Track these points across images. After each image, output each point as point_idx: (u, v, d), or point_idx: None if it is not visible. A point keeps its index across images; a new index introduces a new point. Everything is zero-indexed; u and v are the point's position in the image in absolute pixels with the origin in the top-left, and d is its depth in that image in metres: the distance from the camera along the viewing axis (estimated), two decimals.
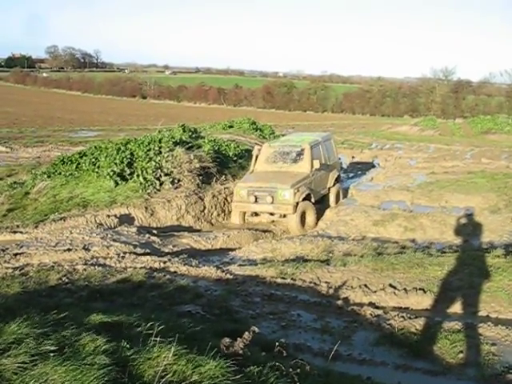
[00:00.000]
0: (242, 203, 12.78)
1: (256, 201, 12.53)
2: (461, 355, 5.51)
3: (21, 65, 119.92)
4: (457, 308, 6.87)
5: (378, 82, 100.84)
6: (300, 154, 13.62)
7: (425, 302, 7.03)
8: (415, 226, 11.79)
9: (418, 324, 6.25)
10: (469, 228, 11.45)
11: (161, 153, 14.77)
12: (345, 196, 15.54)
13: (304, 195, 12.56)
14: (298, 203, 12.28)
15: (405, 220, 12.05)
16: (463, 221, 11.77)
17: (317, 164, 13.26)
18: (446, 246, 10.30)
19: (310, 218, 12.72)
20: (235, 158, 17.31)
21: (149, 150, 14.84)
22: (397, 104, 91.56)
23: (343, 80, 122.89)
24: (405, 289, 7.30)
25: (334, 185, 14.75)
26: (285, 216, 12.60)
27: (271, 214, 12.97)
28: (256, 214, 13.29)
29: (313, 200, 13.07)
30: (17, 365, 3.03)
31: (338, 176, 15.33)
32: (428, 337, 5.93)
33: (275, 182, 12.67)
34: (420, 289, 7.25)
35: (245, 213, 13.19)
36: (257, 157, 14.05)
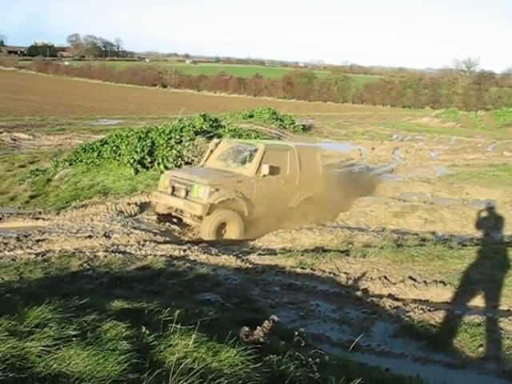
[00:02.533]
0: (161, 193, 11.04)
1: (173, 193, 10.72)
2: (481, 349, 5.47)
3: (43, 53, 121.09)
4: (477, 301, 6.81)
5: (399, 73, 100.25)
6: (252, 154, 11.20)
7: (445, 294, 6.98)
8: (435, 219, 11.69)
9: (438, 317, 6.21)
10: (490, 221, 11.34)
11: (181, 141, 14.83)
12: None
13: (224, 198, 10.28)
14: (212, 205, 10.13)
15: (425, 212, 11.95)
16: (484, 214, 11.65)
17: (265, 170, 10.78)
18: (466, 238, 10.21)
19: (232, 233, 10.44)
20: None
21: (170, 139, 14.91)
22: (418, 95, 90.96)
23: (364, 71, 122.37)
24: (425, 281, 7.26)
25: (299, 204, 11.69)
26: (200, 218, 10.47)
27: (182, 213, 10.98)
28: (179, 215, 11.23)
29: (246, 213, 10.60)
30: (40, 348, 3.08)
31: (311, 197, 11.86)
32: (447, 330, 5.89)
33: (198, 175, 10.75)
34: (440, 281, 7.20)
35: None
36: (211, 151, 12.18)
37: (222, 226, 10.31)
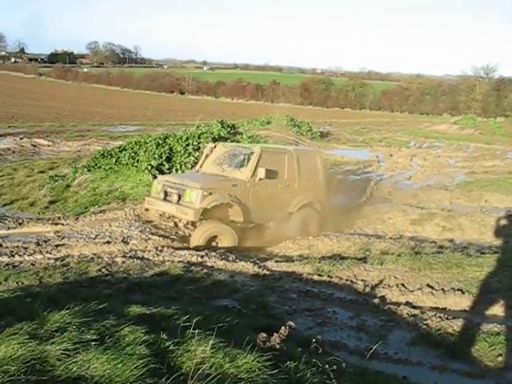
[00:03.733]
0: (153, 199, 10.67)
1: (165, 198, 10.36)
2: (500, 358, 5.42)
3: (63, 60, 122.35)
4: (496, 310, 6.76)
5: (417, 80, 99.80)
6: (247, 158, 10.78)
7: (463, 302, 6.93)
8: (454, 226, 11.63)
9: (456, 325, 6.16)
10: (509, 229, 11.24)
11: (199, 148, 14.89)
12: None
13: (217, 203, 9.89)
14: (205, 210, 9.78)
15: (443, 219, 11.89)
16: (503, 221, 11.55)
17: (262, 173, 10.29)
18: (485, 246, 10.13)
19: (225, 244, 10.00)
20: None
21: (187, 145, 14.99)
22: (436, 102, 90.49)
23: (382, 77, 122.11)
24: (443, 289, 7.22)
25: (298, 210, 11.27)
26: (193, 224, 10.24)
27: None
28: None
29: (241, 218, 10.20)
30: (60, 352, 3.12)
31: (311, 202, 11.54)
32: (466, 338, 5.85)
33: (190, 179, 10.48)
34: (458, 289, 7.15)
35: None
36: (207, 156, 11.74)
37: (212, 238, 9.93)
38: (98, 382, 2.91)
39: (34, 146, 21.87)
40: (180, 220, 10.71)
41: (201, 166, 11.73)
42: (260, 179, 10.45)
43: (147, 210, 11.16)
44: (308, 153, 12.79)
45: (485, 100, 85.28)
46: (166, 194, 10.38)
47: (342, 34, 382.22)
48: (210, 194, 9.87)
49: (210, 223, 9.88)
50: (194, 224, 10.21)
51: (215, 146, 11.93)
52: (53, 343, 3.21)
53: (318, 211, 11.69)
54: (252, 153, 10.81)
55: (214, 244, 9.96)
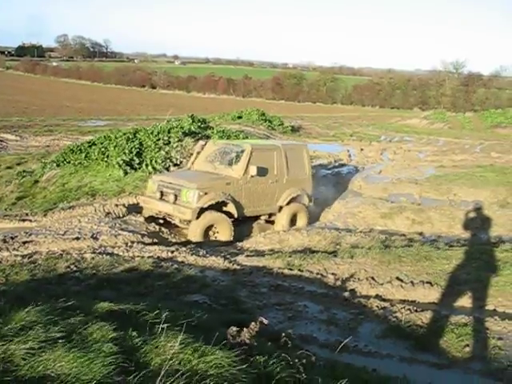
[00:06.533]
0: (149, 199, 11.01)
1: (161, 197, 10.67)
2: (467, 349, 5.50)
3: (31, 54, 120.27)
4: (464, 302, 6.85)
5: (388, 75, 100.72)
6: (238, 155, 11.12)
7: (432, 295, 7.02)
8: (423, 219, 11.76)
9: (425, 317, 6.24)
10: (477, 222, 11.42)
11: (170, 143, 14.82)
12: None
13: (213, 202, 10.27)
14: (202, 209, 10.13)
15: (413, 213, 12.02)
16: (471, 215, 11.72)
17: (253, 171, 10.72)
18: (453, 239, 10.27)
19: (222, 235, 10.44)
20: None
21: (158, 140, 14.90)
22: (406, 97, 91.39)
23: (353, 72, 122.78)
24: (412, 282, 7.29)
25: (288, 204, 11.68)
26: (189, 222, 10.39)
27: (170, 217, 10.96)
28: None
29: (235, 214, 10.65)
30: (25, 351, 3.06)
31: (299, 196, 11.91)
32: (434, 330, 5.92)
33: (186, 179, 10.72)
34: (427, 282, 7.24)
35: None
36: (198, 153, 12.07)
37: (209, 227, 10.30)
38: (63, 381, 2.85)
39: (1, 141, 21.50)
40: (175, 217, 10.85)
41: (192, 164, 12.02)
42: (252, 176, 10.90)
43: (141, 208, 11.42)
44: (295, 147, 13.04)
45: (454, 95, 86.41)
46: (162, 193, 10.69)
47: (313, 28, 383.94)
48: (206, 193, 10.26)
49: (206, 213, 10.19)
50: (189, 222, 10.39)
51: (205, 144, 12.25)
52: (17, 342, 3.15)
53: (306, 204, 12.09)
54: (243, 150, 11.16)
55: (211, 237, 10.31)
